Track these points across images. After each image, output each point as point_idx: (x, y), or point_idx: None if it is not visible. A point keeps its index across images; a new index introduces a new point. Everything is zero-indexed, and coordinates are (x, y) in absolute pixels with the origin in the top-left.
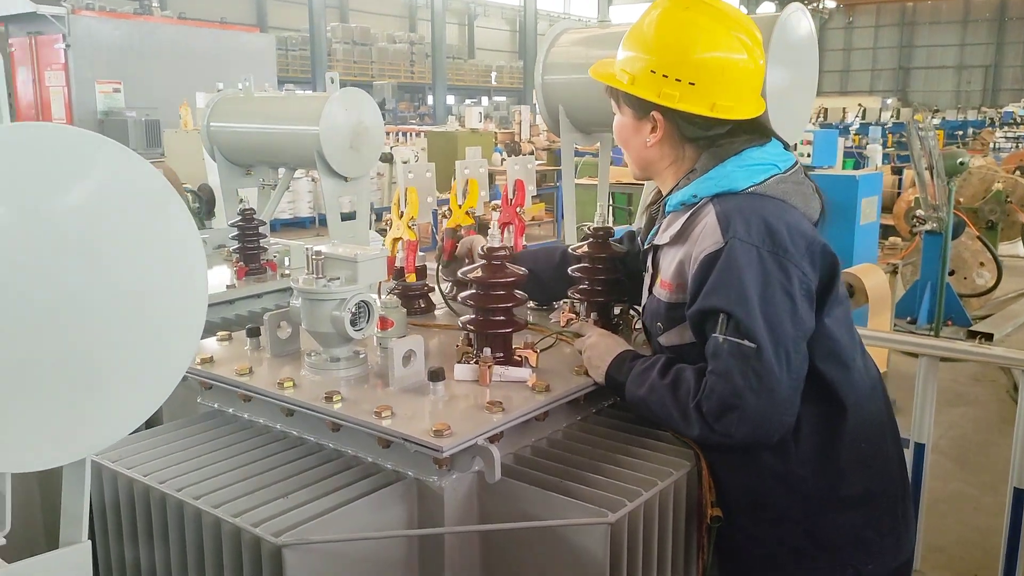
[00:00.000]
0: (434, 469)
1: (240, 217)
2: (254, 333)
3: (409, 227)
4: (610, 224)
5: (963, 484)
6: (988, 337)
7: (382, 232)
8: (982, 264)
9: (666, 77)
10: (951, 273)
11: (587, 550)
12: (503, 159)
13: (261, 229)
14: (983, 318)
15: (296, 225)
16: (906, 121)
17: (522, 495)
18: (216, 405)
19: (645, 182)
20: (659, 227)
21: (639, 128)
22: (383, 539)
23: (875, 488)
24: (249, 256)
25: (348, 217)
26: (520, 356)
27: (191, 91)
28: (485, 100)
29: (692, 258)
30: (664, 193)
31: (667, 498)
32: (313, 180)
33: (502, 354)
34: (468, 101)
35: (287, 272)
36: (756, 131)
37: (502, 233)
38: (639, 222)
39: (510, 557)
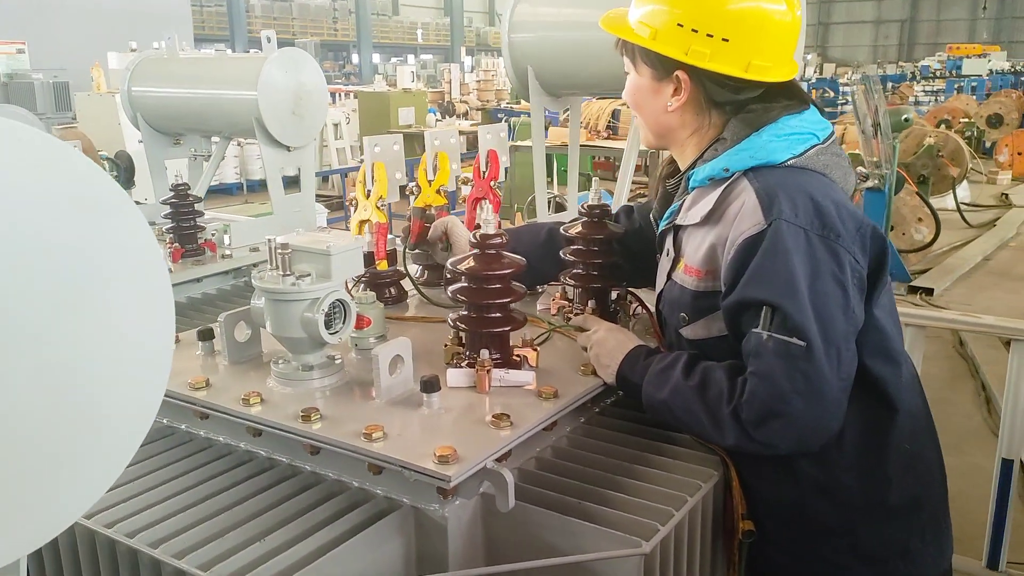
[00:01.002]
0: (435, 497)
1: (173, 193)
2: (207, 336)
3: (378, 208)
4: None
5: None
6: (928, 292)
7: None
8: (920, 219)
9: (695, 32)
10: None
11: None
12: (437, 120)
13: (197, 206)
14: (921, 272)
15: (222, 192)
16: (863, 75)
17: (536, 520)
18: (165, 421)
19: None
20: (680, 204)
21: (659, 90)
22: None
23: (921, 494)
24: (185, 236)
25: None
26: (518, 356)
27: (102, 51)
28: (412, 58)
29: (728, 242)
30: (683, 165)
31: (696, 515)
32: (239, 144)
33: (499, 355)
34: (394, 59)
35: (228, 253)
36: (791, 96)
37: (474, 209)
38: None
39: None
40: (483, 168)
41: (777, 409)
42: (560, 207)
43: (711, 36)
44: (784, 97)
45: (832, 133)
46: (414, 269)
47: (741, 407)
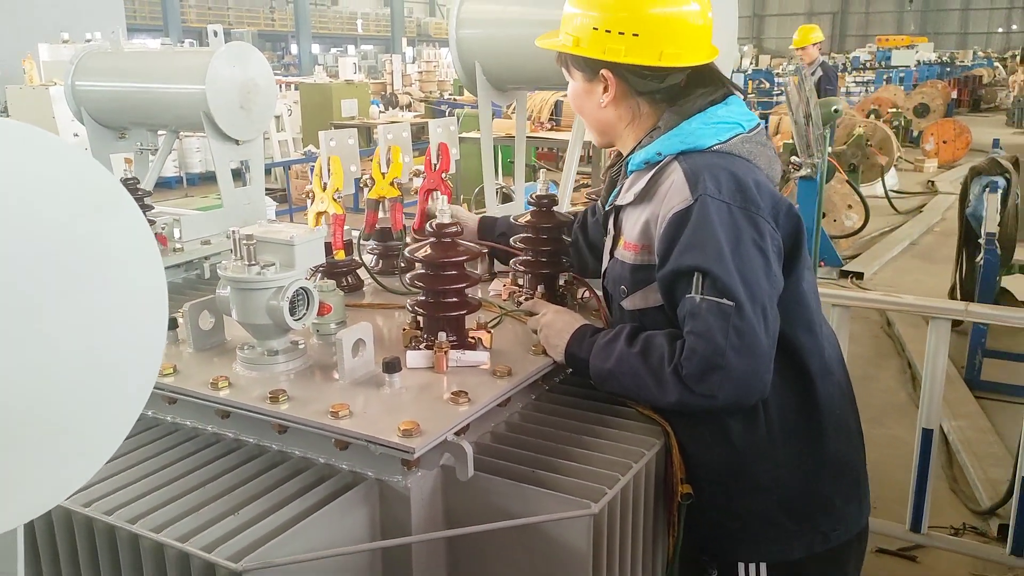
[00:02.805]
0: (398, 469)
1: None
2: (171, 325)
3: (335, 200)
4: (500, 181)
5: None
6: (859, 276)
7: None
8: (850, 206)
9: (608, 32)
10: (823, 216)
11: (568, 543)
12: (380, 112)
13: (147, 200)
14: (851, 258)
15: (161, 186)
16: (797, 67)
17: (492, 488)
18: None
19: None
20: (620, 188)
21: (591, 90)
22: (333, 554)
23: (845, 456)
24: None
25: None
26: (473, 338)
27: (31, 42)
28: (352, 49)
29: (660, 217)
30: (625, 154)
31: (640, 479)
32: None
33: (455, 337)
34: (334, 50)
35: (179, 246)
36: (712, 82)
37: (426, 200)
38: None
39: (481, 556)
40: (434, 160)
41: (715, 362)
42: (507, 198)
43: (623, 34)
44: (705, 84)
45: (758, 124)
46: (369, 259)
47: (681, 364)
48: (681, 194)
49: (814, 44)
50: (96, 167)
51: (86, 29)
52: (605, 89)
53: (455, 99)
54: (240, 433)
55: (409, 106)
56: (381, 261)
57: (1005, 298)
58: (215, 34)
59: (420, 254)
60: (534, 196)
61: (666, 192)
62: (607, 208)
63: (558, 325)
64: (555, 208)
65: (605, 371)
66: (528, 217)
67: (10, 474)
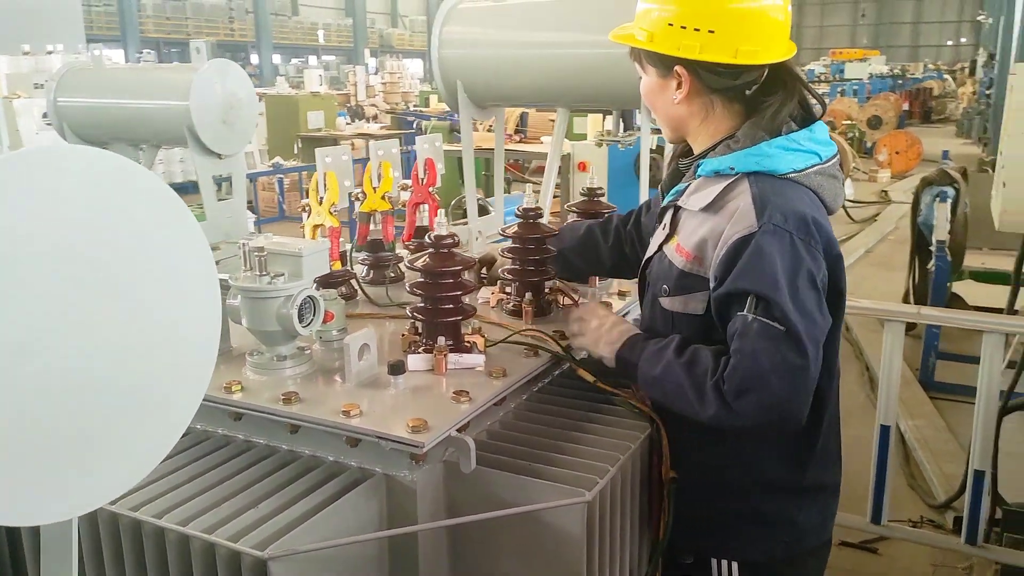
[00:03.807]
0: (405, 464)
1: None
2: None
3: (331, 213)
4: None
5: None
6: None
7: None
8: None
9: (684, 29)
10: None
11: (564, 530)
12: (347, 124)
13: None
14: None
15: None
16: None
17: (492, 481)
18: None
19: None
20: (686, 186)
21: (665, 86)
22: (351, 541)
23: (820, 482)
24: None
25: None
26: (469, 342)
27: None
28: (313, 59)
29: (721, 238)
30: (696, 151)
31: (627, 468)
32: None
33: (452, 341)
34: (295, 60)
35: None
36: (789, 83)
37: (414, 213)
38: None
39: (482, 544)
40: (421, 175)
41: (755, 384)
42: (483, 210)
43: (698, 30)
44: (781, 83)
45: (836, 154)
46: (360, 269)
47: (723, 380)
48: (746, 220)
49: None
50: (165, 187)
51: (46, 41)
52: (679, 85)
53: (421, 111)
54: (251, 435)
55: (375, 117)
56: (372, 272)
57: (956, 303)
58: (197, 50)
59: (419, 264)
60: (521, 208)
61: (732, 212)
62: (667, 201)
63: (612, 327)
64: (540, 220)
65: (651, 377)
66: (515, 228)
67: (78, 468)
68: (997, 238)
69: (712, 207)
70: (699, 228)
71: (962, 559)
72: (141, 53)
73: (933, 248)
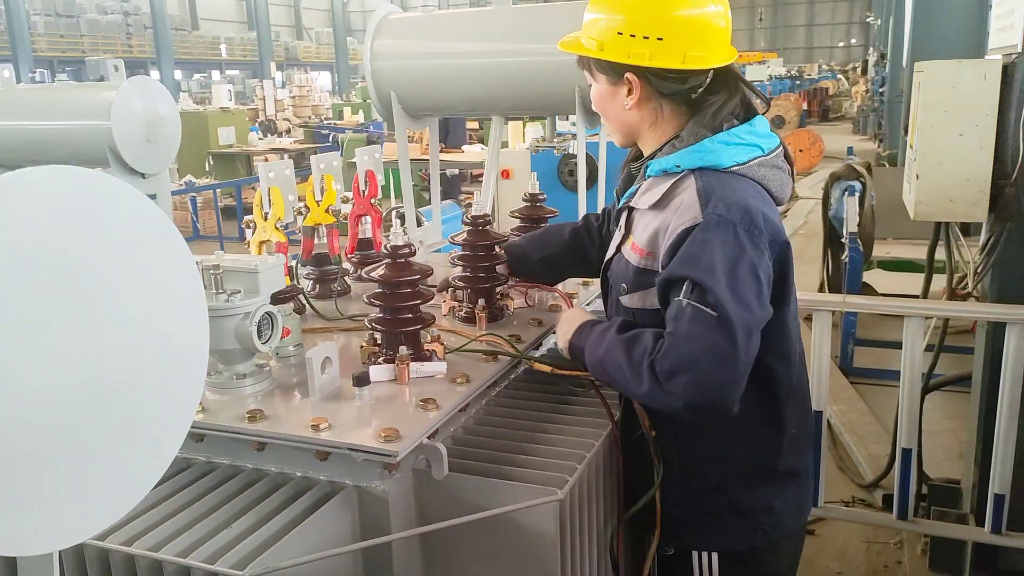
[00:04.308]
0: (376, 474)
1: None
2: None
3: (277, 228)
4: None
5: None
6: None
7: None
8: None
9: (633, 37)
10: None
11: (538, 530)
12: (260, 139)
13: None
14: None
15: None
16: None
17: (463, 486)
18: None
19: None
20: (637, 188)
21: (615, 93)
22: (333, 554)
23: (794, 468)
24: None
25: None
26: (428, 351)
27: None
28: (216, 74)
29: (668, 230)
30: (645, 154)
31: (593, 465)
32: None
33: (412, 351)
34: (198, 75)
35: None
36: (732, 84)
37: (356, 225)
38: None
39: (455, 550)
40: (363, 187)
41: (685, 366)
42: (417, 221)
43: (647, 38)
44: (727, 86)
45: (777, 146)
46: (305, 284)
47: (656, 361)
48: (691, 212)
49: None
50: (151, 205)
51: None
52: (629, 92)
53: (336, 123)
54: (213, 456)
55: (288, 132)
56: (318, 286)
57: (867, 291)
58: (116, 68)
59: (376, 274)
60: (470, 216)
61: (678, 206)
62: (621, 204)
63: (568, 319)
64: (489, 227)
65: (596, 359)
66: (464, 235)
67: (63, 499)
68: (900, 228)
69: (660, 204)
70: (650, 225)
71: (892, 535)
72: (34, 72)
73: (845, 240)
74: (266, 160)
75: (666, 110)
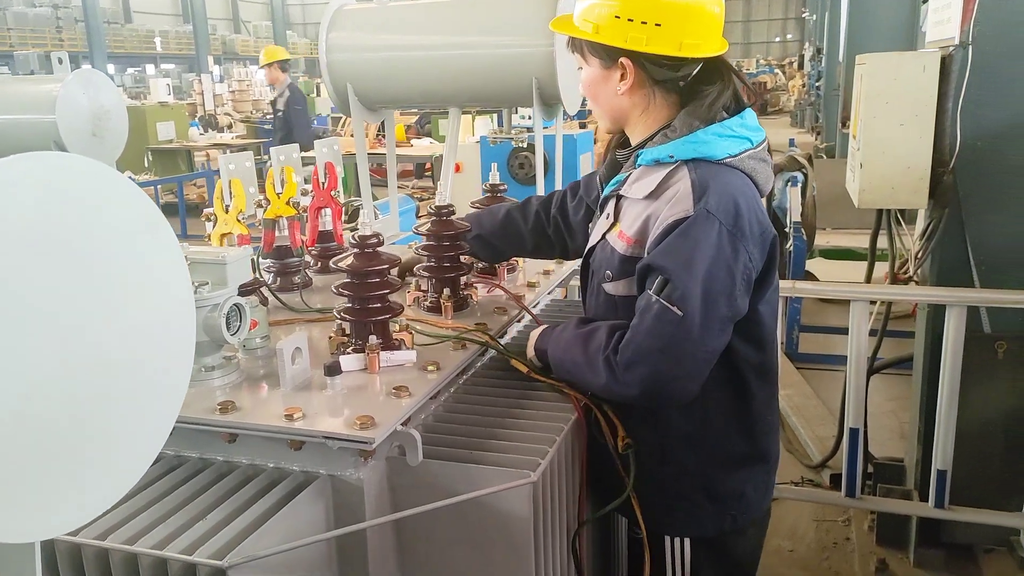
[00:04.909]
0: (351, 462)
1: None
2: None
3: (239, 221)
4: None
5: None
6: None
7: None
8: None
9: (631, 21)
10: None
11: (512, 512)
12: (200, 134)
13: None
14: None
15: None
16: None
17: (437, 472)
18: None
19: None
20: (627, 176)
21: (608, 77)
22: (312, 541)
23: (765, 452)
24: None
25: None
26: (397, 340)
27: None
28: (151, 68)
29: (660, 219)
30: (634, 142)
31: (563, 448)
32: None
33: (382, 340)
34: (131, 70)
35: None
36: (723, 74)
37: (316, 217)
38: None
39: (428, 536)
40: (322, 179)
41: (643, 359)
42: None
43: (645, 23)
44: (715, 73)
45: (764, 139)
46: (267, 277)
47: (615, 352)
48: (684, 203)
49: (275, 63)
50: (141, 193)
51: None
52: (623, 77)
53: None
54: (181, 450)
55: (230, 127)
56: (279, 279)
57: (809, 279)
58: (59, 61)
59: (345, 264)
60: (434, 206)
61: (672, 196)
62: (608, 192)
63: (534, 332)
64: (453, 216)
65: (558, 359)
66: (428, 226)
67: (47, 488)
68: (839, 219)
69: (654, 194)
70: (641, 214)
71: (840, 512)
72: None
73: (789, 230)
74: (207, 156)
75: (658, 97)
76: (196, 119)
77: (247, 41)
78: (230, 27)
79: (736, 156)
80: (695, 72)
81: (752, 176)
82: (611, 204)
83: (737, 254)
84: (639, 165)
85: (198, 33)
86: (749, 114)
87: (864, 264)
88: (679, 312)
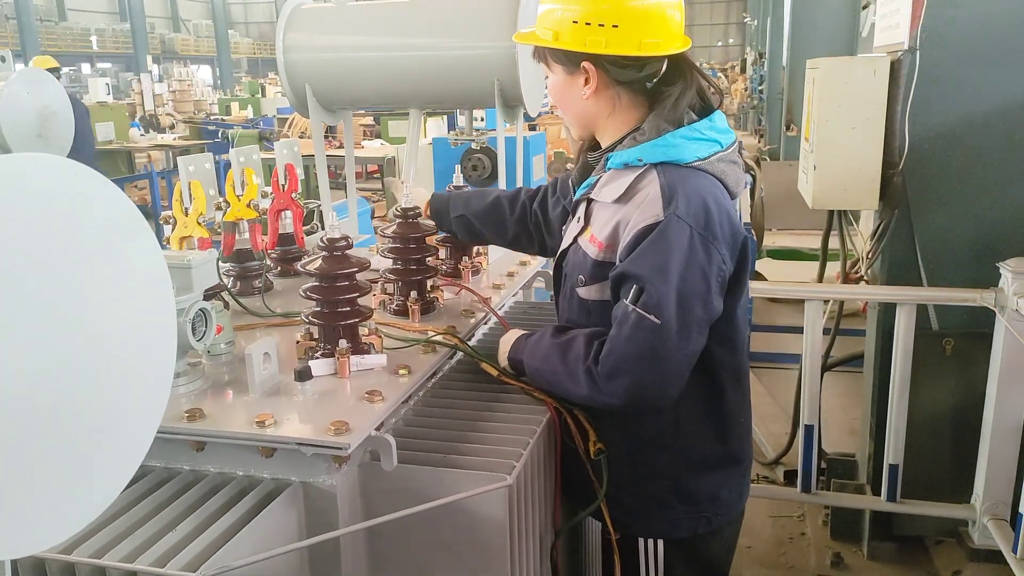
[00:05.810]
0: (323, 469)
1: None
2: None
3: (199, 224)
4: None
5: None
6: None
7: None
8: None
9: (588, 25)
10: None
11: (488, 515)
12: (142, 135)
13: None
14: None
15: None
16: None
17: (411, 476)
18: None
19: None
20: (597, 180)
21: (572, 83)
22: (287, 550)
23: (738, 454)
24: None
25: None
26: (366, 344)
27: None
28: (87, 68)
29: (630, 225)
30: (603, 145)
31: (537, 450)
32: None
33: (351, 344)
34: (67, 69)
35: None
36: (687, 72)
37: (276, 220)
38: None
39: (404, 540)
40: (282, 181)
41: (625, 368)
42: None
43: (603, 26)
44: (683, 74)
45: (734, 141)
46: (227, 280)
47: (596, 362)
48: (653, 209)
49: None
50: (120, 195)
51: None
52: (586, 81)
53: (222, 119)
54: (146, 460)
55: (172, 127)
56: (239, 283)
57: (758, 280)
58: (2, 59)
59: (313, 267)
60: (400, 208)
61: (641, 201)
62: (579, 195)
63: (505, 340)
64: (419, 219)
65: (534, 368)
66: (395, 228)
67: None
68: (784, 220)
69: (623, 198)
70: (612, 218)
71: (795, 508)
72: None
73: None
74: (149, 158)
75: (624, 99)
76: (136, 119)
77: (187, 40)
78: (169, 25)
79: (705, 159)
80: (660, 72)
81: (722, 179)
82: (582, 207)
83: (710, 257)
84: (608, 169)
85: (136, 31)
86: (719, 116)
87: (811, 264)
88: (656, 320)
